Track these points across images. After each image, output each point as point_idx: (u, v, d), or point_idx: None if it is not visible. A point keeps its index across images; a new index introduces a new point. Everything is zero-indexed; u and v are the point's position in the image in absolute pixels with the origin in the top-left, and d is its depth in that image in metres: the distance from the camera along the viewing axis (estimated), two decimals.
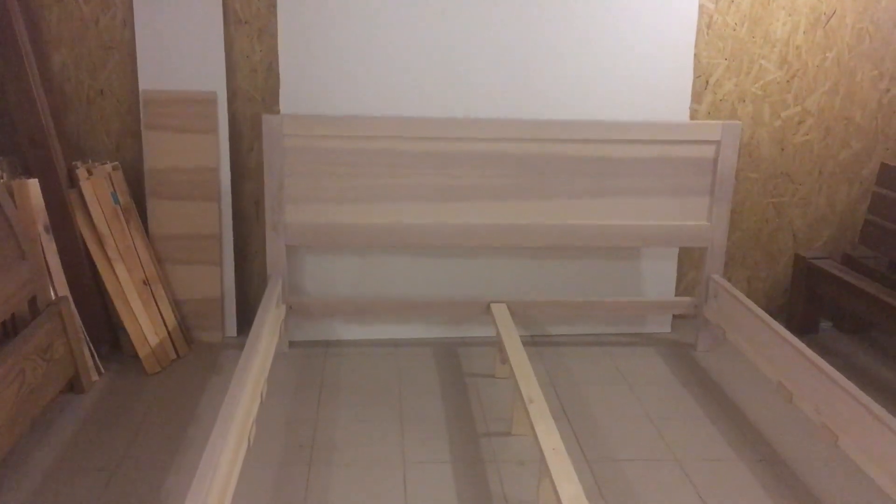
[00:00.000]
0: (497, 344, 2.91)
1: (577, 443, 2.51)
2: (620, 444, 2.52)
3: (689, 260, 3.49)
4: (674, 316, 3.43)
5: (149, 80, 2.99)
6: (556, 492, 1.88)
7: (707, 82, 3.26)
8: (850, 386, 2.21)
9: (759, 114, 3.32)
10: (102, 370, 2.87)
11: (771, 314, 2.72)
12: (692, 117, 3.26)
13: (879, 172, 3.25)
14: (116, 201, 2.91)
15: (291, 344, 3.17)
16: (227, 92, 3.04)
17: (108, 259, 2.86)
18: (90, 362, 2.80)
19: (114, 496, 2.19)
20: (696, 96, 3.25)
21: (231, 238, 3.13)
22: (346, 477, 2.30)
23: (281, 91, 2.98)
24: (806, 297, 3.36)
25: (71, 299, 2.73)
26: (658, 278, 3.35)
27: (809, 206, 3.48)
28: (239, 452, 2.01)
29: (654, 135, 2.98)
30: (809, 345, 2.50)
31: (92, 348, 2.83)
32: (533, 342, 3.25)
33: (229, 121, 3.07)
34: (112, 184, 2.91)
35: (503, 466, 2.37)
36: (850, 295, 3.10)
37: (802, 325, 3.36)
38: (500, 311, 3.01)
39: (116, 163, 2.99)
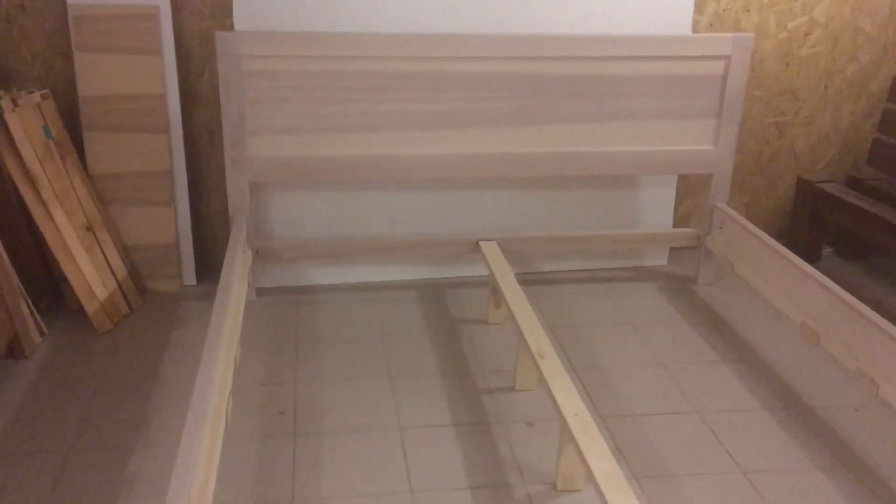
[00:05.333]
0: (489, 285, 2.66)
1: (587, 396, 2.29)
2: (634, 396, 2.30)
3: (686, 188, 3.24)
4: (671, 248, 3.21)
5: None
6: (587, 468, 1.65)
7: None
8: (892, 328, 2.01)
9: (765, 24, 3.03)
10: (45, 330, 2.53)
11: None
12: (694, 29, 2.95)
13: (892, 87, 3.02)
14: (49, 135, 2.51)
15: (259, 292, 2.85)
16: (171, 5, 2.62)
17: (44, 202, 2.48)
18: (31, 322, 2.45)
19: (71, 482, 1.89)
20: (699, 6, 2.94)
21: (184, 175, 2.77)
22: (336, 447, 2.04)
23: (234, 3, 2.57)
24: (809, 223, 3.16)
25: (3, 250, 2.36)
26: (655, 208, 3.10)
27: (813, 126, 3.24)
28: (217, 433, 1.73)
29: (659, 50, 2.67)
30: None
31: (31, 306, 2.48)
32: (524, 280, 2.99)
33: (175, 39, 2.67)
34: (42, 115, 2.51)
35: (511, 427, 2.14)
36: (861, 220, 2.90)
37: (805, 253, 3.16)
38: (491, 249, 2.73)
39: (46, 91, 2.57)
